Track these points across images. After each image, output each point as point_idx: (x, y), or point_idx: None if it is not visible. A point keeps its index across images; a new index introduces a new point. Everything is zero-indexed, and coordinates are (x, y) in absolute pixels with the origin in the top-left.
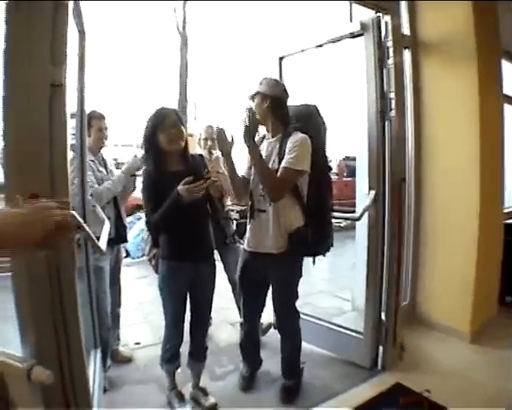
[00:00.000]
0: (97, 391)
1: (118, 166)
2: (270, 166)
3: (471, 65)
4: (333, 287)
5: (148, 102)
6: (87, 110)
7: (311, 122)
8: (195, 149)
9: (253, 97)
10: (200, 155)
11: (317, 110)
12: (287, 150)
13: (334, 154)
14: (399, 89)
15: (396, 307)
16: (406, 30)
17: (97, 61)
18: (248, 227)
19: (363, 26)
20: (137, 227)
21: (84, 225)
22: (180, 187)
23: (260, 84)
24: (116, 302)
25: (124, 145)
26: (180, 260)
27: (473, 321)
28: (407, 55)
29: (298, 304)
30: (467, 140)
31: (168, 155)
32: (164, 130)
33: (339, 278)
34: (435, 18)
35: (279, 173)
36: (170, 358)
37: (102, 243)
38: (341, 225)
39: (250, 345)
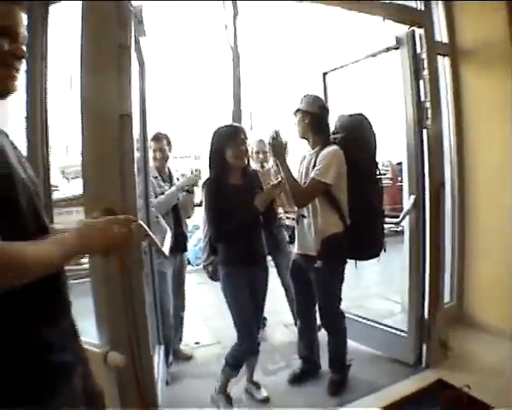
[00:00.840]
0: (160, 383)
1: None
2: (308, 175)
3: (507, 70)
4: (385, 290)
5: (204, 115)
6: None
7: (358, 131)
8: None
9: (295, 114)
10: (255, 171)
11: (366, 119)
12: (317, 162)
13: (389, 158)
14: (435, 98)
15: (435, 307)
16: (445, 38)
17: (156, 77)
18: (295, 231)
19: (398, 41)
20: (196, 237)
21: (150, 232)
22: (256, 201)
23: (301, 101)
24: (181, 306)
25: (182, 157)
26: (239, 266)
27: None
28: (446, 62)
29: (350, 305)
30: (506, 145)
31: (231, 170)
32: (234, 146)
33: (391, 281)
34: (472, 25)
35: (306, 183)
36: (236, 366)
37: (165, 249)
38: (397, 229)
39: (302, 343)
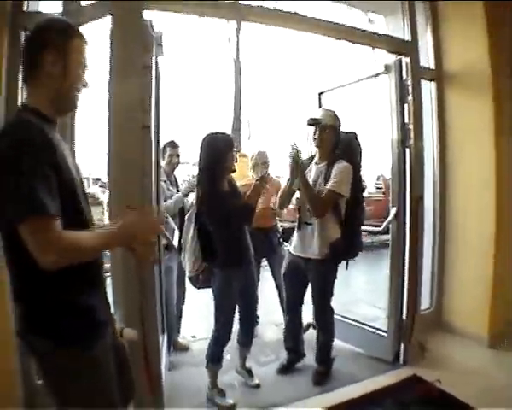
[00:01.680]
0: (164, 368)
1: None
2: (317, 187)
3: (488, 94)
4: (373, 297)
5: (202, 124)
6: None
7: (350, 147)
8: (249, 170)
9: (318, 126)
10: (231, 177)
11: (356, 137)
12: (332, 175)
13: (383, 173)
14: (417, 121)
15: (412, 309)
16: (432, 64)
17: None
18: (295, 235)
19: (387, 68)
20: None
21: (163, 228)
22: (247, 198)
23: (330, 117)
24: (181, 300)
25: (181, 163)
26: (239, 264)
27: (491, 326)
28: (433, 87)
29: (340, 310)
30: (485, 163)
31: (225, 176)
32: (232, 153)
33: (378, 288)
34: (457, 52)
35: (323, 194)
36: (218, 359)
37: (175, 243)
38: (388, 242)
39: (288, 335)
